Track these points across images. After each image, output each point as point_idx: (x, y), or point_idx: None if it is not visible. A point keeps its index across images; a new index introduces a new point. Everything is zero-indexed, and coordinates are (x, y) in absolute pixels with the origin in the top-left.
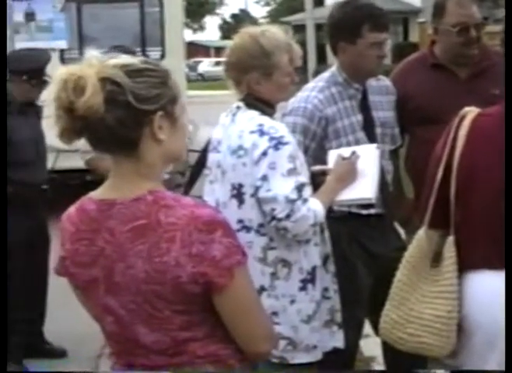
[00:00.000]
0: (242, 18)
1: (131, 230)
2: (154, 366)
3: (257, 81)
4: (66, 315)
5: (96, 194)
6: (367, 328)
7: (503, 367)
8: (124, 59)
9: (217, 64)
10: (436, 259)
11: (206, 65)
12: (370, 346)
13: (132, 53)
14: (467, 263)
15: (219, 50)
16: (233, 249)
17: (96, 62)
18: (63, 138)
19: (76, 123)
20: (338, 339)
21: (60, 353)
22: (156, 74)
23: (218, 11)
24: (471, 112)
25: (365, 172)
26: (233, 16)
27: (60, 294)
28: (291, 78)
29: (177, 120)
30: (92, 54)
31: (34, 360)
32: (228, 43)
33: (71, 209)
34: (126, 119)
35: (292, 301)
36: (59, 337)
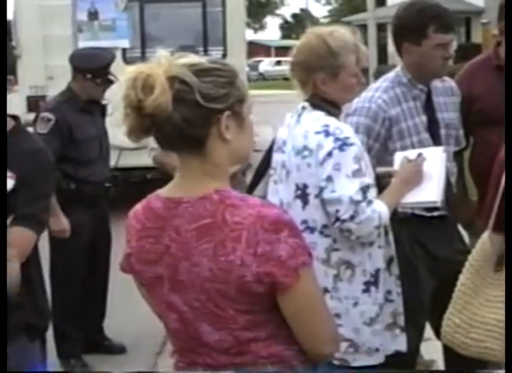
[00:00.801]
0: (303, 17)
1: (197, 228)
2: (217, 365)
3: (323, 81)
4: (126, 312)
5: (162, 192)
6: (428, 331)
7: None
8: (193, 58)
9: (277, 63)
10: (500, 263)
11: (266, 65)
12: (430, 349)
13: (196, 53)
14: None
15: (279, 50)
16: (299, 249)
17: (164, 61)
18: (131, 136)
19: (144, 121)
20: (400, 343)
21: (119, 350)
22: (224, 73)
23: (278, 11)
24: None
25: (431, 174)
26: (294, 16)
27: (120, 291)
28: (357, 78)
29: (244, 120)
30: (160, 52)
31: (94, 355)
32: (289, 42)
33: (138, 206)
34: (193, 118)
35: (355, 304)
36: (119, 333)
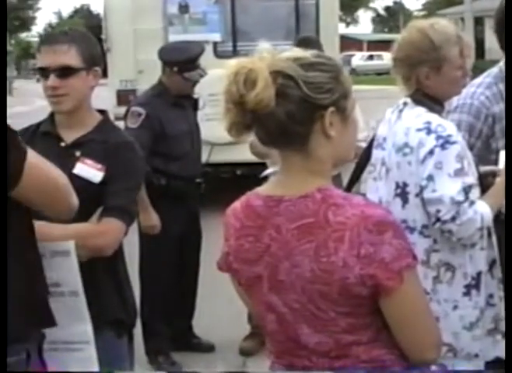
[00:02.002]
0: (396, 11)
1: (298, 228)
2: (316, 368)
3: (426, 75)
4: (216, 310)
5: (262, 190)
6: None
7: None
8: (297, 52)
9: (369, 58)
10: None
11: (359, 59)
12: None
13: (316, 42)
14: None
15: (371, 44)
16: (403, 251)
17: (267, 55)
18: (231, 132)
19: (246, 116)
20: (501, 349)
21: (208, 348)
22: (329, 68)
23: (371, 4)
24: None
25: None
26: (387, 9)
27: (210, 289)
28: (463, 71)
29: (348, 117)
30: (263, 46)
31: (182, 353)
32: (381, 36)
33: (237, 204)
34: (297, 113)
35: (455, 307)
36: (208, 332)
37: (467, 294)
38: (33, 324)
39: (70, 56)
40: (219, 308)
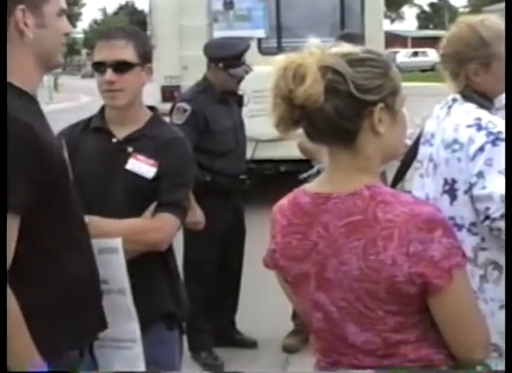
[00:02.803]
0: (441, 7)
1: (347, 225)
2: (363, 367)
3: (475, 72)
4: (259, 306)
5: (310, 187)
6: None
7: None
8: (346, 48)
9: (414, 54)
10: None
11: (403, 56)
12: None
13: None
14: None
15: (416, 41)
16: (453, 250)
17: (316, 50)
18: (279, 127)
19: (294, 112)
20: None
21: (250, 344)
22: (378, 64)
23: (416, 0)
24: None
25: None
26: (432, 5)
27: (253, 285)
28: None
29: (397, 113)
30: (312, 42)
31: (225, 349)
32: (426, 32)
33: (283, 201)
34: (346, 109)
35: (502, 306)
36: (251, 328)
37: None
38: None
39: (127, 51)
40: (263, 304)
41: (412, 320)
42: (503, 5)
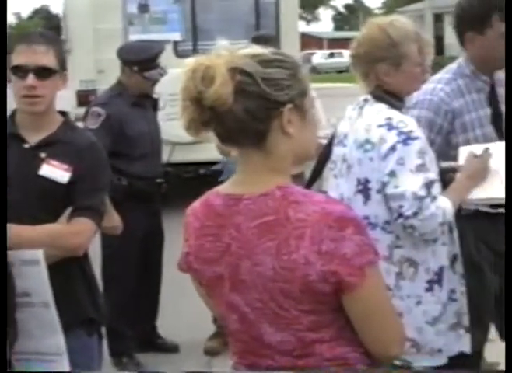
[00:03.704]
0: (356, 8)
1: (259, 226)
2: (279, 367)
3: (386, 72)
4: (180, 310)
5: (222, 189)
6: (491, 332)
7: None
8: (255, 49)
9: (330, 55)
10: None
11: (319, 57)
12: (494, 351)
13: (272, 40)
14: None
15: (332, 42)
16: (365, 247)
17: (225, 52)
18: (189, 130)
19: (204, 114)
20: (464, 344)
21: (172, 348)
22: (287, 65)
23: (332, 2)
24: None
25: (497, 170)
26: (347, 7)
27: (173, 289)
28: (422, 68)
29: (307, 114)
30: (221, 44)
31: (146, 354)
32: (342, 34)
33: (196, 204)
34: (255, 110)
35: (418, 302)
36: (172, 332)
37: (429, 289)
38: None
39: (49, 57)
40: (183, 308)
41: (326, 319)
42: (416, 6)
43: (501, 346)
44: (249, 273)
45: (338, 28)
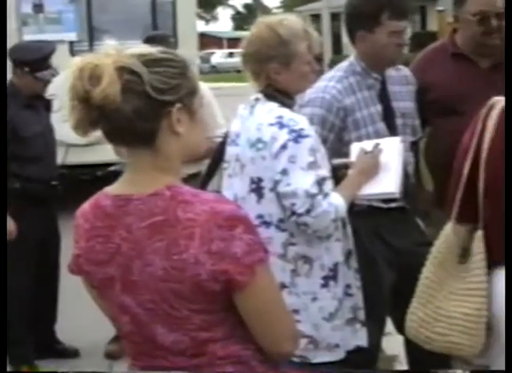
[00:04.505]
0: (254, 8)
1: (149, 226)
2: (173, 367)
3: (276, 71)
4: (79, 314)
5: (111, 189)
6: (389, 326)
7: None
8: (143, 48)
9: (230, 55)
10: (464, 255)
11: (219, 57)
12: (392, 344)
13: (165, 39)
14: (495, 259)
15: (231, 41)
16: (254, 246)
17: (113, 51)
18: (78, 130)
19: (92, 113)
20: (361, 338)
21: (72, 353)
22: (175, 64)
23: (230, 1)
24: (499, 102)
25: (388, 165)
26: (246, 6)
27: (72, 293)
28: (311, 66)
29: (196, 113)
30: (109, 43)
31: (46, 360)
32: (241, 33)
33: (86, 205)
34: (143, 110)
35: (314, 299)
36: (72, 337)
37: (325, 285)
38: None
39: None
40: (82, 312)
41: (218, 318)
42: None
43: (398, 338)
44: (140, 274)
45: (237, 27)
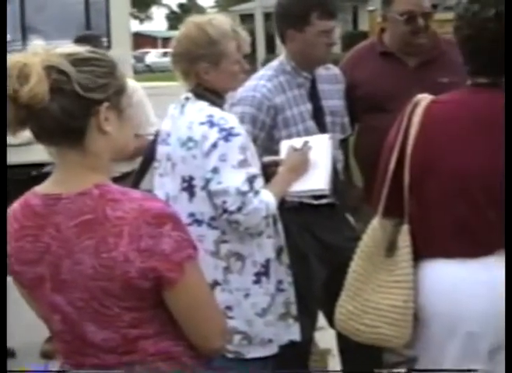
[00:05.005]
0: (189, 7)
1: (78, 225)
2: (105, 365)
3: (205, 70)
4: (13, 314)
5: (40, 189)
6: (322, 320)
7: (463, 353)
8: (71, 48)
9: (164, 54)
10: (391, 248)
11: (154, 56)
12: (325, 338)
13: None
14: (422, 252)
15: (166, 41)
16: (183, 243)
17: (41, 51)
18: (7, 130)
19: (20, 112)
20: (293, 332)
21: (9, 354)
22: (103, 63)
23: (165, 1)
24: (424, 99)
25: (317, 162)
26: (180, 6)
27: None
28: (240, 65)
29: (124, 112)
30: (37, 43)
31: None
32: (175, 33)
33: (15, 205)
34: (71, 108)
35: (247, 295)
36: (7, 337)
37: (257, 281)
38: None
39: None
40: (17, 312)
41: (148, 315)
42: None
43: (331, 332)
44: (70, 273)
45: (172, 27)
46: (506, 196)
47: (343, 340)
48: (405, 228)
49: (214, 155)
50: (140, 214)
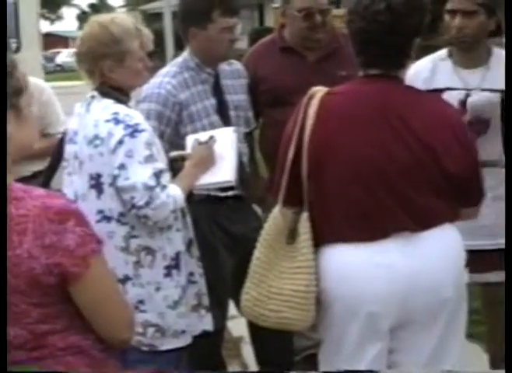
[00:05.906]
0: (99, 7)
1: None
2: (14, 362)
3: (110, 68)
4: None
5: None
6: (233, 309)
7: (363, 332)
8: None
9: None
10: (292, 235)
11: (65, 56)
12: (238, 326)
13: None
14: (321, 238)
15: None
16: (86, 237)
17: None
18: None
19: None
20: (206, 323)
21: None
22: None
23: (75, 1)
24: (319, 91)
25: (223, 155)
26: (91, 6)
27: None
28: (143, 63)
29: (22, 112)
30: None
31: None
32: None
33: None
34: None
35: (158, 289)
36: None
37: (168, 274)
38: None
39: None
40: None
41: (55, 310)
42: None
43: (243, 321)
44: None
45: (82, 27)
46: (506, 196)
47: (255, 328)
48: (305, 216)
49: (120, 151)
50: (42, 211)
